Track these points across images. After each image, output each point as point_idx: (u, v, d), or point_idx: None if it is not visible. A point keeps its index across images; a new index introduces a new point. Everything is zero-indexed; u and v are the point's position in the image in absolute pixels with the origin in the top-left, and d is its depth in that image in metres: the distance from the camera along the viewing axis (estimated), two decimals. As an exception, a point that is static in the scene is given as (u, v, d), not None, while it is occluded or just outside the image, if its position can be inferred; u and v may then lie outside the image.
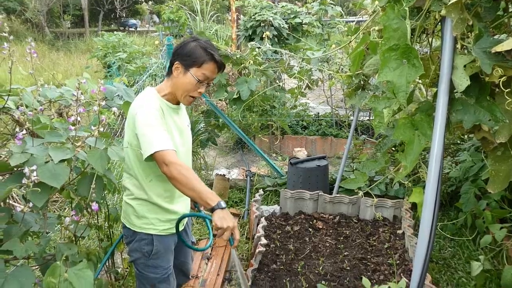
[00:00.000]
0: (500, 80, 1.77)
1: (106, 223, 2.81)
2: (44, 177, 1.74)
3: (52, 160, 1.80)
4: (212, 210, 1.98)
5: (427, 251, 1.69)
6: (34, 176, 1.70)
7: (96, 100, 2.00)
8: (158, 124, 2.13)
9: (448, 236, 3.89)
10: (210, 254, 3.93)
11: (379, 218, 4.00)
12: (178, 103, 2.38)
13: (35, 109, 2.12)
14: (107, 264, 2.84)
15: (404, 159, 1.81)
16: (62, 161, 1.84)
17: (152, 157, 2.08)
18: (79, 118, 1.98)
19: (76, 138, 2.00)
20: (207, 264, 3.78)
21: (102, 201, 2.65)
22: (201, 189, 2.00)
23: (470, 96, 1.90)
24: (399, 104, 2.00)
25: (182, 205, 2.48)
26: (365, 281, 1.82)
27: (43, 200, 1.75)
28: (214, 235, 2.00)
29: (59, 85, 2.50)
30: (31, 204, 1.72)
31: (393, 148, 4.28)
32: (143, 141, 2.10)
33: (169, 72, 2.33)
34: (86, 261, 2.31)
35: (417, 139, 1.82)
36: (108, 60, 8.46)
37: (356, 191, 2.09)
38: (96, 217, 2.84)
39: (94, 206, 1.95)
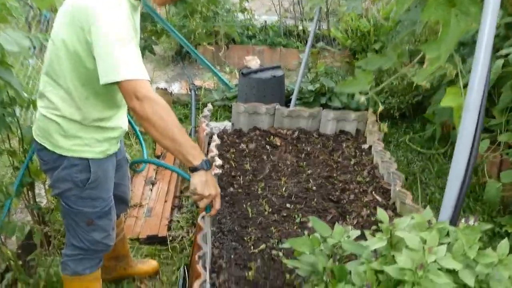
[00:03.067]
0: None
1: (21, 147, 2.18)
2: None
3: None
4: (194, 169, 1.64)
5: (468, 169, 1.26)
6: None
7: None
8: (129, 38, 1.56)
9: (418, 149, 3.59)
10: (155, 178, 3.41)
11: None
12: None
13: None
14: (26, 197, 2.25)
15: (434, 49, 1.32)
16: None
17: (117, 85, 1.54)
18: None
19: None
20: (151, 190, 3.27)
21: (12, 119, 2.03)
22: (183, 141, 1.60)
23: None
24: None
25: (123, 118, 1.90)
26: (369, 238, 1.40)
27: None
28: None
29: None
30: None
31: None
32: (106, 60, 1.52)
33: None
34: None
35: (455, 19, 1.32)
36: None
37: (358, 93, 1.60)
38: (8, 141, 2.21)
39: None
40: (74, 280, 1.93)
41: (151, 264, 2.52)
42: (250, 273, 2.28)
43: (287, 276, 2.28)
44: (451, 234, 1.26)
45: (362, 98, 1.54)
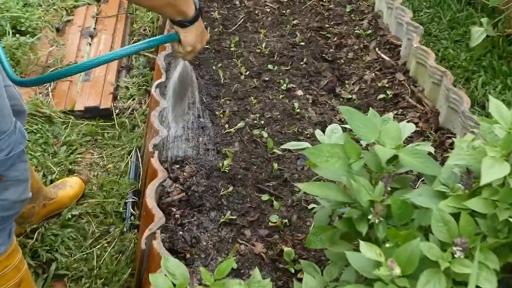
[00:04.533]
0: None
1: None
2: None
3: None
4: (190, 22, 1.19)
5: None
6: None
7: None
8: None
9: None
10: (94, 28, 2.62)
11: None
12: None
13: None
14: None
15: None
16: None
17: None
18: None
19: None
20: (90, 44, 2.51)
21: None
22: None
23: None
24: None
25: None
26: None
27: None
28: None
29: None
30: None
31: None
32: None
33: None
34: None
35: None
36: None
37: None
38: None
39: None
40: None
41: (74, 183, 1.77)
42: (225, 162, 1.71)
43: (275, 165, 1.72)
44: None
45: None
